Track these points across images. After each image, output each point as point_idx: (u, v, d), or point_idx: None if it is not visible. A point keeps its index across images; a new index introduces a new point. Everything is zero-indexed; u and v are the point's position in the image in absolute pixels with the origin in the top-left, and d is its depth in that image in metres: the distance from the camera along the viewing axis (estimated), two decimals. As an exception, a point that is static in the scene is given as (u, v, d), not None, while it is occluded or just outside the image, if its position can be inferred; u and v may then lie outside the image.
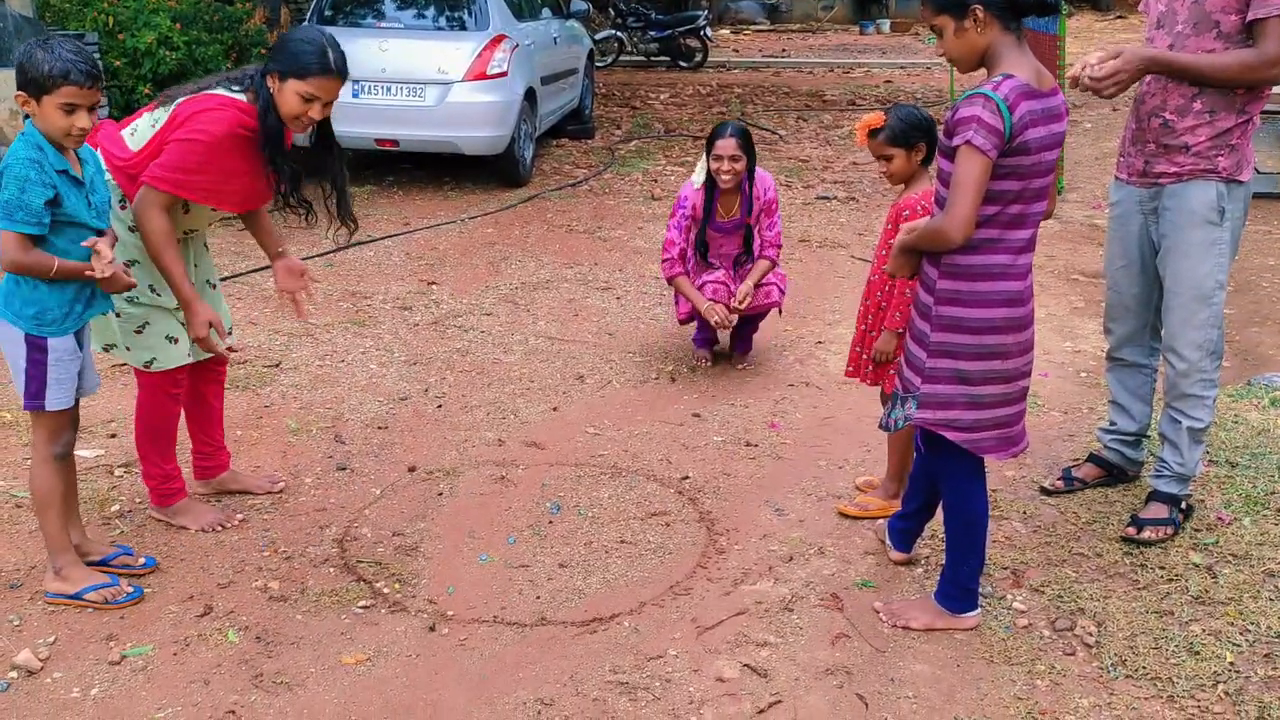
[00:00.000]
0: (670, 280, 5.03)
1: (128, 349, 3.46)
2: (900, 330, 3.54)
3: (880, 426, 3.15)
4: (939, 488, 3.16)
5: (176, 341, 3.49)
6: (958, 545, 3.10)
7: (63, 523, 3.23)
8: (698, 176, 4.92)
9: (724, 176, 4.79)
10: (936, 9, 2.82)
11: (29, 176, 2.87)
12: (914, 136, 3.57)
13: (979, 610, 3.15)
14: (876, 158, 3.64)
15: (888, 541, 3.51)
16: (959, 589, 3.12)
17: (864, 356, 3.79)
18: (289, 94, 3.31)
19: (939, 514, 3.28)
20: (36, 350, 3.03)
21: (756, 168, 4.95)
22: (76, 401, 3.19)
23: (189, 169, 3.25)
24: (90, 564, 3.31)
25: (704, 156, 4.86)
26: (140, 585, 3.30)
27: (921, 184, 3.61)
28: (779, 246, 5.06)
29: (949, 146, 2.77)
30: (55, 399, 3.08)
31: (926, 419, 2.93)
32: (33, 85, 2.87)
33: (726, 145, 4.76)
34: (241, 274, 6.33)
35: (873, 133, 3.58)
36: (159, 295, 3.44)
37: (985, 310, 2.83)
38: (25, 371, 3.04)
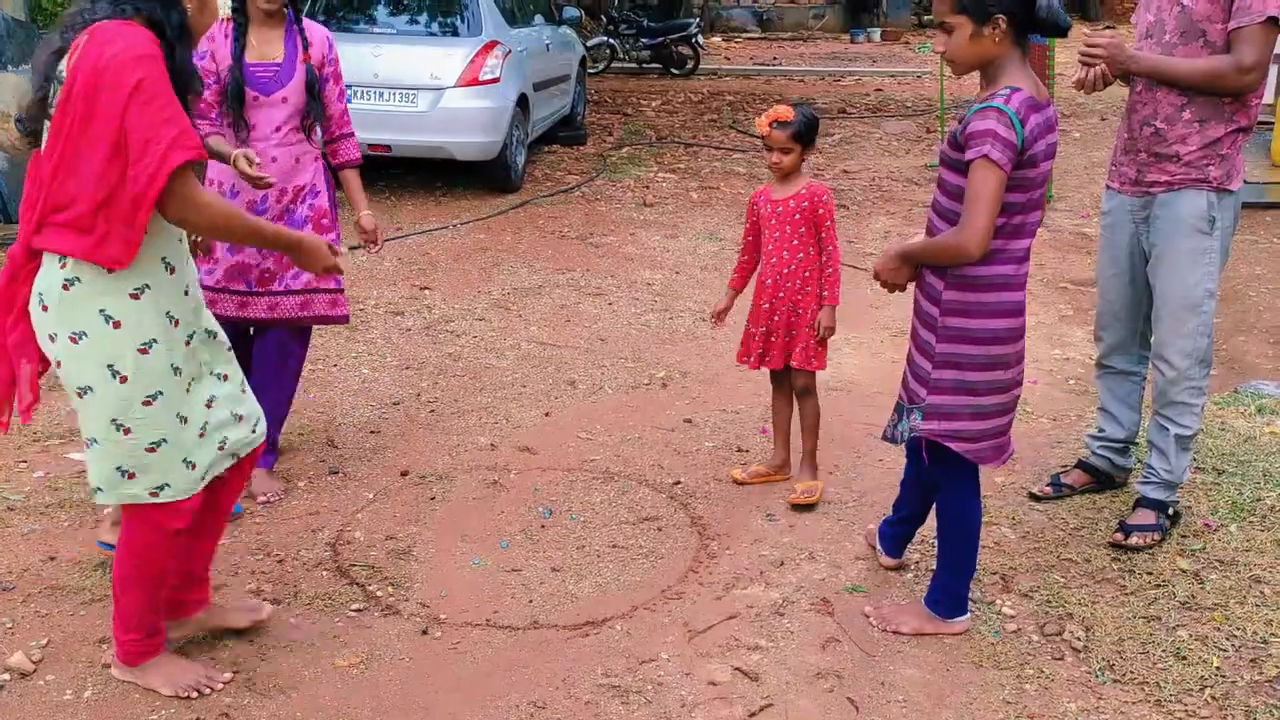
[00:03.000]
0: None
1: (129, 476, 2.65)
2: (836, 305, 3.83)
3: (884, 438, 3.17)
4: (934, 496, 3.18)
5: (194, 467, 2.73)
6: (952, 553, 3.12)
7: None
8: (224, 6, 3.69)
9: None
10: (957, 7, 2.78)
11: None
12: (813, 137, 3.79)
13: (968, 615, 3.17)
14: (771, 149, 3.78)
15: (878, 547, 3.52)
16: (950, 595, 3.15)
17: (761, 341, 3.93)
18: (213, 3, 2.73)
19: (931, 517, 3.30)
20: None
21: (308, 20, 3.99)
22: None
23: (176, 114, 2.50)
24: None
25: None
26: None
27: (796, 184, 3.84)
28: (351, 133, 4.19)
29: (959, 160, 2.78)
30: None
31: (933, 430, 2.93)
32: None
33: None
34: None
35: (780, 124, 3.72)
36: (179, 382, 2.69)
37: (991, 321, 2.85)
38: None
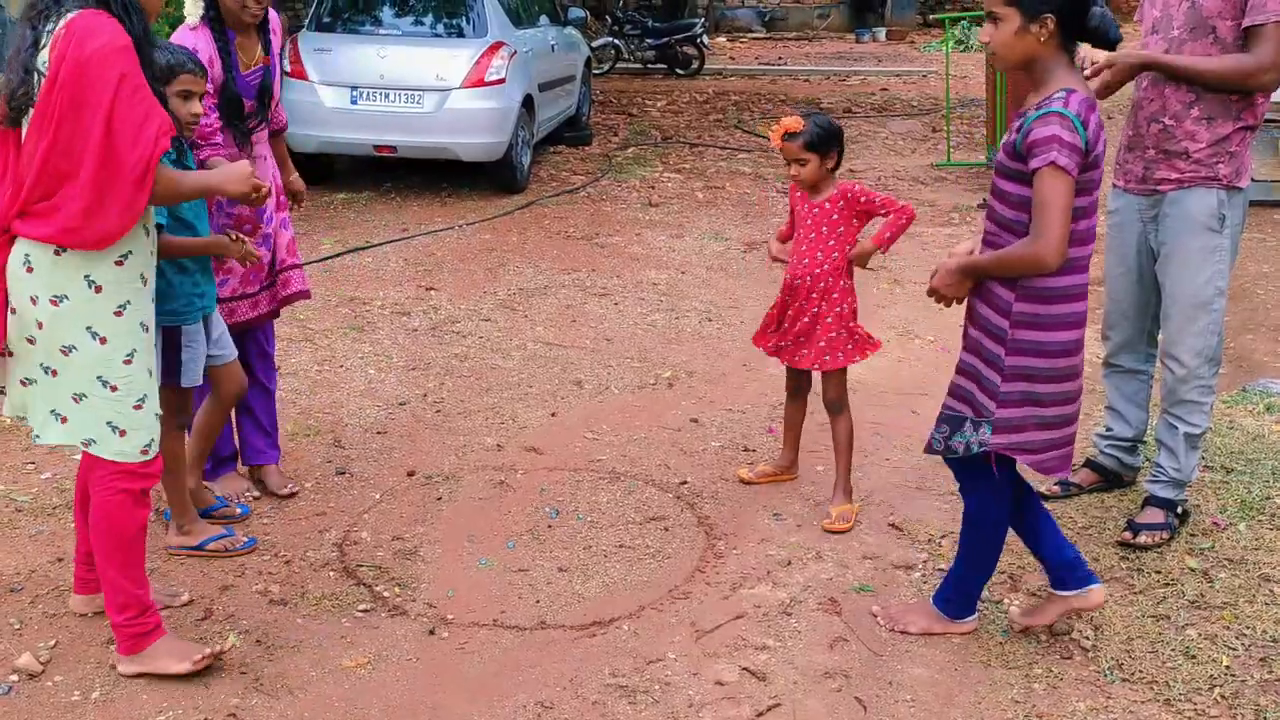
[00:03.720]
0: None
1: (120, 433, 2.77)
2: (880, 248, 3.74)
3: (932, 451, 3.04)
4: (964, 497, 3.07)
5: (158, 420, 2.90)
6: (973, 555, 3.06)
7: (184, 485, 3.51)
8: (192, 11, 3.54)
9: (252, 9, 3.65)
10: None
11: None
12: (830, 144, 3.65)
13: (976, 615, 3.16)
14: (788, 161, 3.69)
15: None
16: (961, 595, 3.13)
17: (801, 342, 3.80)
18: None
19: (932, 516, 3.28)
20: (173, 335, 3.30)
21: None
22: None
23: (154, 103, 2.65)
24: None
25: None
26: (253, 536, 3.61)
27: (827, 190, 3.73)
28: (279, 101, 3.96)
29: (1019, 170, 2.72)
30: (188, 376, 3.36)
31: (1001, 444, 2.85)
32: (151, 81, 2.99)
33: None
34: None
35: (790, 135, 3.63)
36: (147, 339, 2.84)
37: (1061, 333, 2.78)
38: (162, 355, 3.26)
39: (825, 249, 3.75)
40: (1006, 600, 3.30)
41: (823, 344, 3.76)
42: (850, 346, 3.78)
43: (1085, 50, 3.43)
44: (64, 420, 2.77)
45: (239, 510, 3.77)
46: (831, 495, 3.85)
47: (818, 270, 3.74)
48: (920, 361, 5.24)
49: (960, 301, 2.96)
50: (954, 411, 2.96)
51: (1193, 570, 3.42)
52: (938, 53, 18.75)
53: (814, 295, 3.76)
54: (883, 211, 3.73)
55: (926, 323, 5.67)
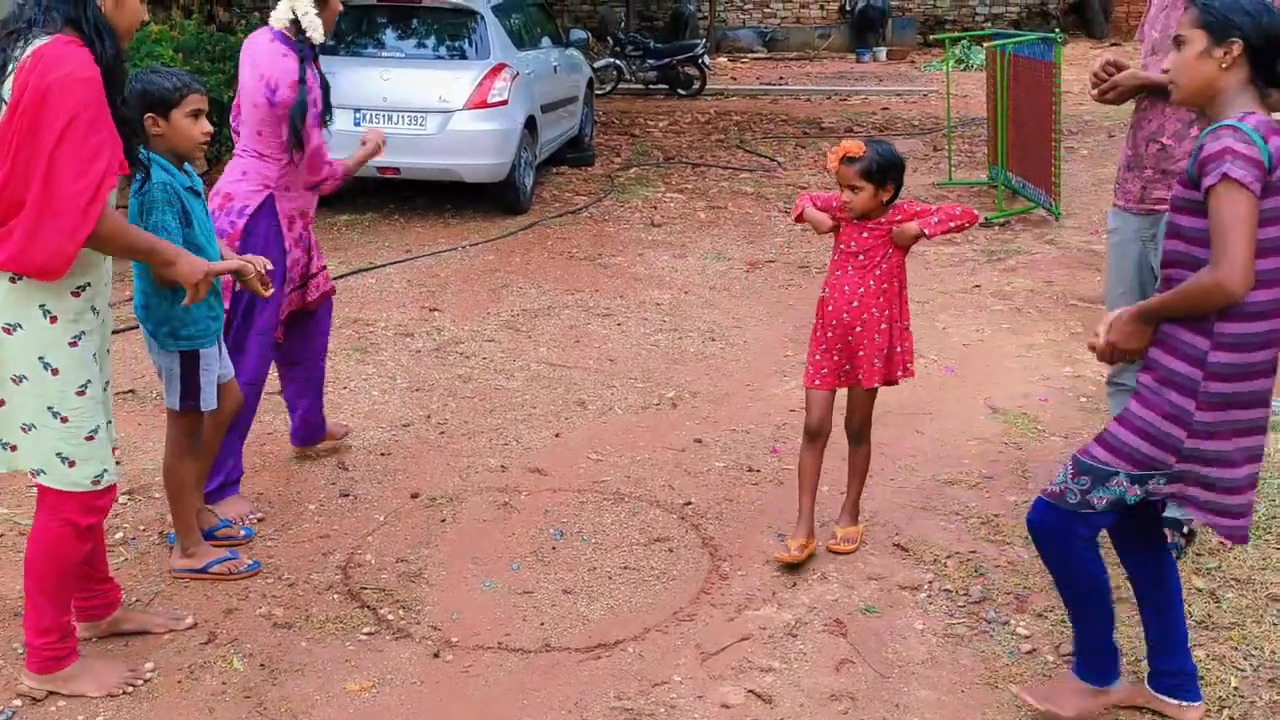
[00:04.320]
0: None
1: (70, 464, 2.76)
2: (927, 233, 3.46)
3: (1052, 496, 2.72)
4: (1048, 545, 2.77)
5: (114, 452, 2.91)
6: (1078, 611, 2.85)
7: (192, 508, 3.54)
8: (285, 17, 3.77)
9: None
10: (1201, 21, 2.53)
11: (165, 198, 3.20)
12: (889, 175, 3.45)
13: (1198, 702, 2.84)
14: (843, 186, 3.48)
15: (1096, 687, 2.88)
16: (1084, 653, 2.87)
17: (838, 360, 3.59)
18: (131, 1, 2.76)
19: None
20: (191, 360, 3.36)
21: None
22: None
23: (110, 137, 2.65)
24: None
25: None
26: (257, 559, 3.62)
27: (876, 219, 3.52)
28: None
29: (1195, 199, 2.49)
30: (207, 399, 3.42)
31: (1173, 493, 2.63)
32: (161, 104, 3.20)
33: None
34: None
35: (849, 160, 3.44)
36: (99, 372, 2.84)
37: (1257, 382, 2.55)
38: (182, 381, 3.37)
39: (862, 273, 3.53)
40: (1014, 621, 3.29)
41: (871, 363, 3.56)
42: (877, 364, 3.57)
43: (1099, 70, 3.47)
44: (13, 449, 2.77)
45: (242, 532, 3.77)
46: (838, 516, 3.82)
47: (858, 296, 3.53)
48: (925, 381, 5.23)
49: (1141, 357, 2.66)
50: (1101, 464, 2.65)
51: (1200, 590, 3.41)
52: (938, 72, 18.81)
53: (851, 314, 3.54)
54: (924, 217, 3.51)
55: (929, 342, 5.67)
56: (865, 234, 3.53)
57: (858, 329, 3.55)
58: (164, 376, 3.42)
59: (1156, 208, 3.49)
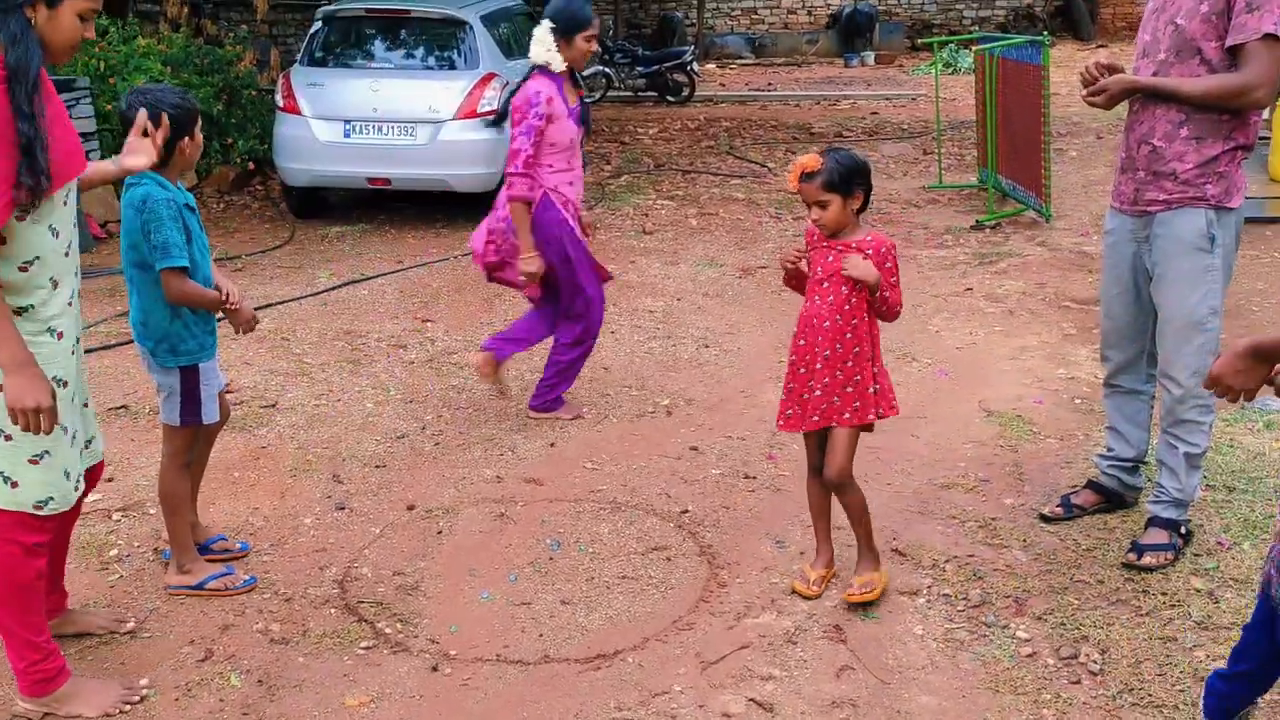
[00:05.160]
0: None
1: (13, 485, 2.70)
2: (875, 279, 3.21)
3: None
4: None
5: (70, 476, 2.82)
6: None
7: (187, 524, 3.53)
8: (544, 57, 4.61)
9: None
10: None
11: (171, 215, 3.21)
12: (853, 182, 3.22)
13: None
14: (808, 204, 3.27)
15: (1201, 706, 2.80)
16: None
17: (807, 399, 3.35)
18: (65, 17, 2.66)
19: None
20: (191, 375, 3.36)
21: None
22: None
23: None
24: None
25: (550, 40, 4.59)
26: (253, 574, 3.61)
27: (857, 232, 3.30)
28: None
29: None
30: (209, 413, 3.43)
31: None
32: (191, 124, 3.27)
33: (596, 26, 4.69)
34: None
35: (807, 176, 3.23)
36: (63, 394, 2.77)
37: None
38: (182, 396, 3.36)
39: (839, 298, 3.29)
40: (1013, 625, 3.29)
41: (828, 403, 3.32)
42: (858, 405, 3.32)
43: (1090, 67, 3.49)
44: None
45: (238, 546, 3.75)
46: (856, 565, 3.48)
47: (828, 323, 3.30)
48: (919, 385, 5.23)
49: (1250, 397, 2.32)
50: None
51: (1199, 591, 3.41)
52: (927, 76, 18.84)
53: (819, 345, 3.32)
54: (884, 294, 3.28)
55: (924, 346, 5.67)
56: (831, 257, 3.30)
57: (818, 365, 3.32)
58: (163, 393, 3.41)
59: (1149, 209, 3.50)
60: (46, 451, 2.72)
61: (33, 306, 2.68)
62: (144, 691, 3.00)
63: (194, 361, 3.36)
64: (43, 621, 2.88)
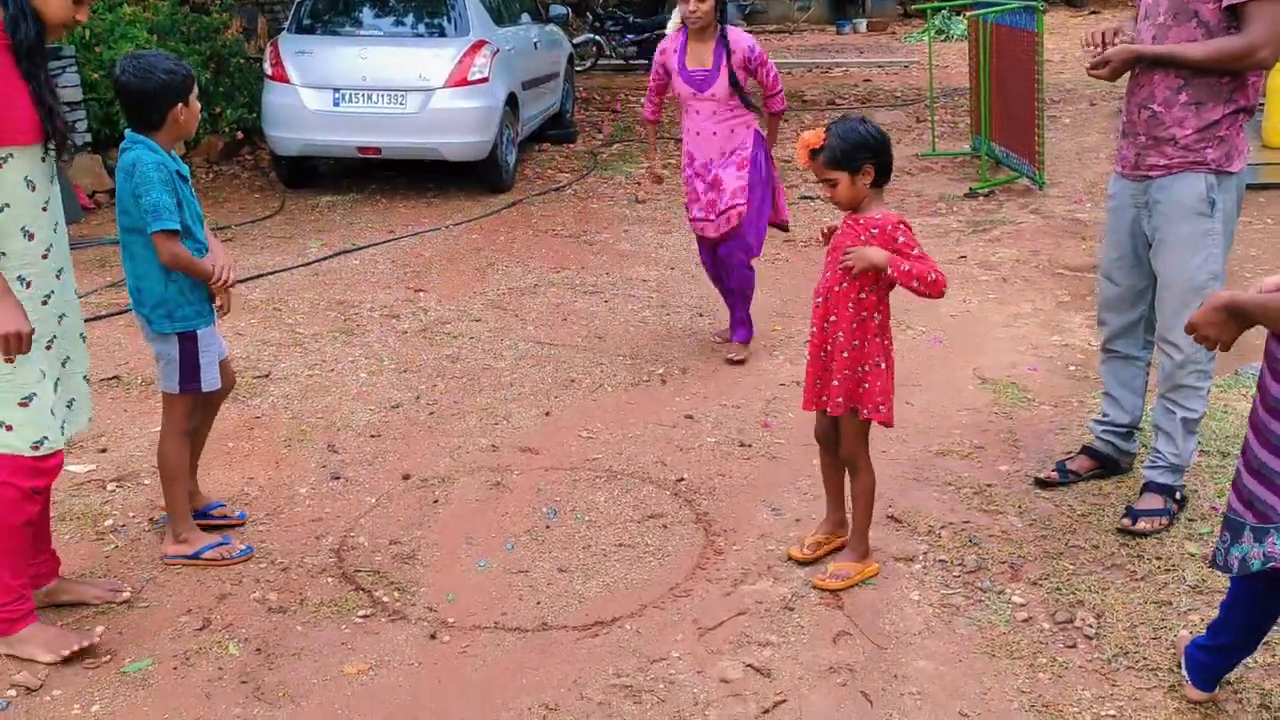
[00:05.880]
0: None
1: (7, 428, 2.81)
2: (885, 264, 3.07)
3: (1215, 566, 2.58)
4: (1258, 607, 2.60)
5: (56, 417, 2.93)
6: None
7: (185, 493, 3.52)
8: (673, 24, 5.15)
9: (693, 17, 4.94)
10: None
11: (162, 179, 3.19)
12: (859, 158, 3.06)
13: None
14: (819, 181, 3.17)
15: (1184, 672, 2.82)
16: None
17: (827, 384, 3.28)
18: None
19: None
20: (189, 342, 3.34)
21: (732, 28, 5.10)
22: None
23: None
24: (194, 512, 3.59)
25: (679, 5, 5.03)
26: (250, 544, 3.59)
27: (872, 209, 3.16)
28: (778, 92, 5.27)
29: None
30: (209, 380, 3.40)
31: None
32: (185, 92, 3.24)
33: None
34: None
35: (813, 153, 3.10)
36: (49, 347, 2.92)
37: None
38: (181, 363, 3.35)
39: (849, 307, 3.19)
40: (1009, 590, 3.30)
41: (840, 383, 3.24)
42: (857, 392, 3.24)
43: (1095, 34, 3.47)
44: None
45: (236, 514, 3.74)
46: (842, 550, 3.45)
47: (839, 290, 3.20)
48: (913, 353, 5.23)
49: (1226, 348, 2.46)
50: (1234, 515, 2.50)
51: (1193, 555, 3.42)
52: (919, 43, 18.76)
53: (834, 319, 3.23)
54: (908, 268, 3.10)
55: (918, 314, 5.66)
56: (841, 232, 3.23)
57: (828, 347, 3.25)
58: (161, 361, 3.39)
59: (1150, 174, 3.49)
60: (34, 394, 2.83)
61: (4, 254, 2.77)
62: (97, 637, 3.03)
63: (191, 328, 3.34)
64: (23, 565, 2.97)
